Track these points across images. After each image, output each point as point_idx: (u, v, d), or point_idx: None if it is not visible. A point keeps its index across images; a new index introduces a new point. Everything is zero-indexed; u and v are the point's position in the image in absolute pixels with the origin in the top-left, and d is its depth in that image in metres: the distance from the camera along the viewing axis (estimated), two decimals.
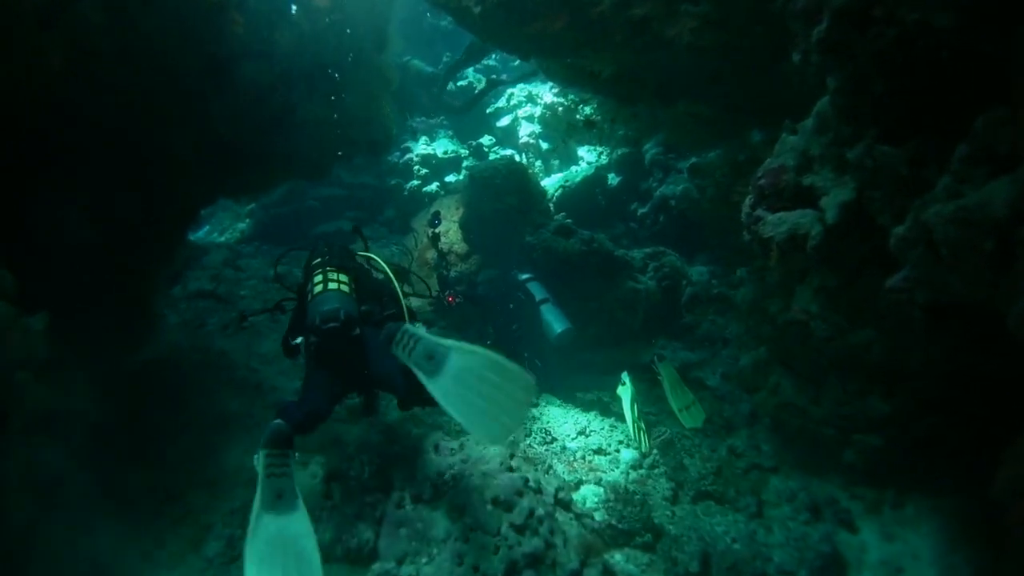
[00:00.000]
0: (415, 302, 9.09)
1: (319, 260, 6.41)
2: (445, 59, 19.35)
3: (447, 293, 8.03)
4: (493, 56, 20.25)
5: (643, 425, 7.25)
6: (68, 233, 6.21)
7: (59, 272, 6.13)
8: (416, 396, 5.54)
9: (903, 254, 4.08)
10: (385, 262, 6.71)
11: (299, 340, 6.25)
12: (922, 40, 3.98)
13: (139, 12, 6.15)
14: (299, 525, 4.85)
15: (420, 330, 5.40)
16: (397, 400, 6.12)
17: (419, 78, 17.56)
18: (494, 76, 19.58)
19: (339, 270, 6.25)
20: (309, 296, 6.06)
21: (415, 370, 5.13)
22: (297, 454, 5.29)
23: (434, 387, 5.02)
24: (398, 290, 6.40)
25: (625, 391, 7.40)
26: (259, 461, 5.06)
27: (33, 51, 5.43)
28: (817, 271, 5.47)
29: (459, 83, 18.95)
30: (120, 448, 6.50)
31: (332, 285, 6.05)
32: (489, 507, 5.99)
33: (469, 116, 18.17)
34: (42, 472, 5.30)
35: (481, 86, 18.57)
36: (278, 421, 5.31)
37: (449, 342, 5.16)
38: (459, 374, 5.01)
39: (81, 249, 6.37)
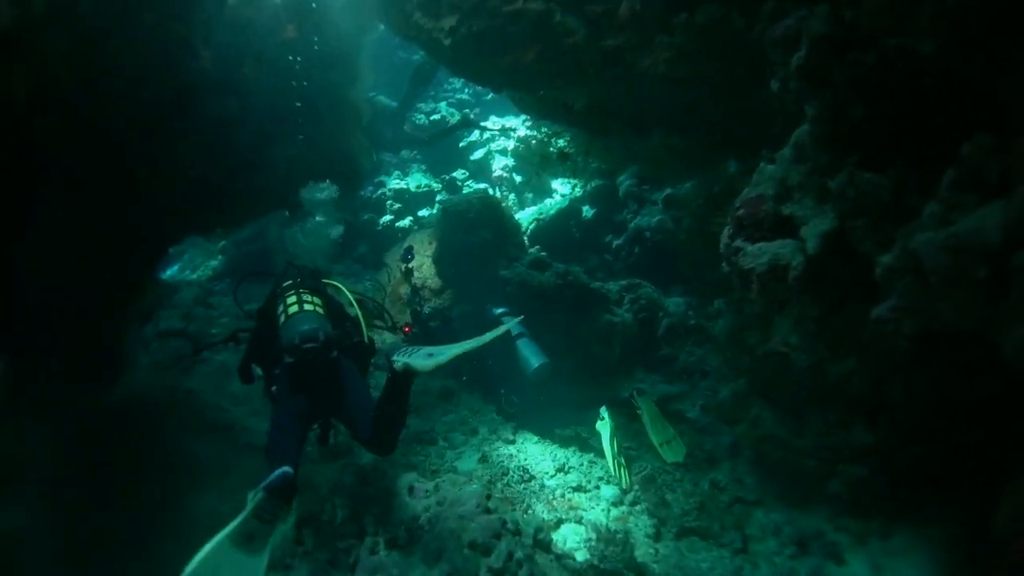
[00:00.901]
0: (389, 338, 9.00)
1: (291, 283, 6.39)
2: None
3: (403, 324, 7.88)
4: (466, 90, 20.26)
5: (623, 461, 7.15)
6: (28, 271, 6.10)
7: (20, 312, 6.08)
8: (378, 432, 5.62)
9: (889, 283, 4.00)
10: (348, 290, 6.74)
11: (259, 371, 6.26)
12: (903, 65, 3.93)
13: (103, 41, 6.01)
14: (254, 570, 4.69)
15: (420, 349, 5.51)
16: (355, 435, 6.00)
17: (383, 113, 17.49)
18: (467, 111, 19.55)
19: (312, 292, 6.23)
20: (282, 317, 5.97)
21: (411, 364, 5.29)
22: (290, 516, 5.10)
23: (417, 364, 5.26)
24: (361, 319, 6.46)
25: (604, 426, 7.31)
26: (253, 499, 4.80)
27: None
28: (797, 301, 5.38)
29: (432, 117, 18.89)
30: (84, 494, 6.34)
31: (308, 307, 6.00)
32: (466, 551, 5.84)
33: (442, 150, 18.08)
34: None
35: (454, 120, 18.53)
36: (286, 469, 5.05)
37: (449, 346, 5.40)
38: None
39: (42, 287, 6.28)
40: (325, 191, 7.92)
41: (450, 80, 20.47)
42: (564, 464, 8.02)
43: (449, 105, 19.73)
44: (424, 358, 5.29)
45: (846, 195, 4.49)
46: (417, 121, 18.58)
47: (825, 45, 4.38)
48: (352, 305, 6.64)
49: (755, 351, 6.95)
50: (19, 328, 5.87)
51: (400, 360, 5.38)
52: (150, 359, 10.21)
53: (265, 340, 6.24)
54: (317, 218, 7.97)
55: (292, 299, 6.06)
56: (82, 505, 6.26)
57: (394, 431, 5.66)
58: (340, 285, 6.89)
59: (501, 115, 18.72)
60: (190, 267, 17.04)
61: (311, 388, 5.77)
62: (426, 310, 10.54)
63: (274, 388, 6.01)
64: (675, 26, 6.25)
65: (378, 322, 7.21)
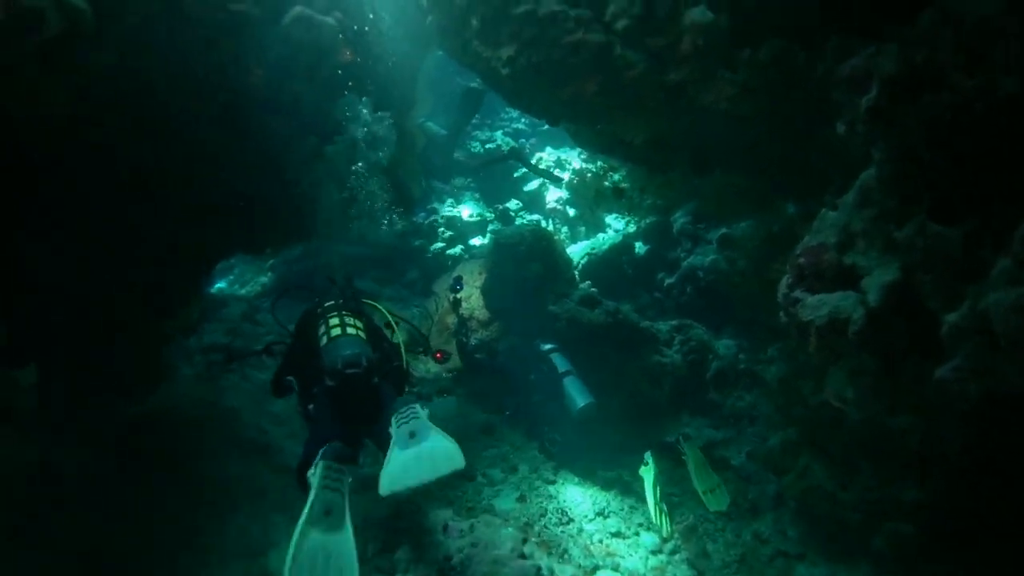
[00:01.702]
0: (434, 368, 8.89)
1: (333, 303, 6.47)
2: (474, 120, 19.26)
3: (435, 350, 7.74)
4: (522, 120, 20.18)
5: (665, 508, 7.01)
6: (63, 282, 6.10)
7: (54, 321, 6.06)
8: None
9: (955, 343, 3.83)
10: (388, 312, 6.80)
11: (295, 386, 6.29)
12: (980, 106, 3.73)
13: (153, 58, 6.02)
14: (343, 545, 4.73)
15: (423, 412, 5.46)
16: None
17: (433, 140, 17.42)
18: (522, 140, 19.46)
19: (355, 315, 6.31)
20: (324, 339, 6.01)
21: (393, 439, 5.21)
22: (351, 479, 5.22)
23: (392, 456, 5.11)
24: (402, 344, 6.57)
25: (648, 472, 7.20)
26: (315, 473, 5.00)
27: (34, 92, 5.28)
28: (855, 354, 5.17)
29: (487, 145, 18.83)
30: (113, 504, 6.29)
31: (351, 330, 6.06)
32: None
33: (495, 180, 17.98)
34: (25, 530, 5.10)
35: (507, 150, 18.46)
36: (335, 444, 5.27)
37: (437, 433, 5.27)
38: (418, 454, 5.09)
39: (78, 298, 6.28)
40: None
41: (507, 109, 20.35)
42: (604, 508, 7.83)
43: (505, 134, 19.66)
44: (405, 437, 5.19)
45: (914, 246, 4.29)
46: (472, 149, 18.54)
47: (897, 85, 4.19)
48: (391, 327, 6.70)
49: (808, 401, 6.82)
50: (52, 338, 5.83)
51: (391, 430, 5.31)
52: (192, 371, 10.18)
53: (301, 356, 6.31)
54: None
55: (335, 321, 6.11)
56: (110, 518, 6.19)
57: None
58: (380, 306, 6.93)
59: (557, 147, 18.62)
60: (240, 282, 17.05)
61: (350, 412, 5.79)
62: (472, 341, 10.36)
63: (310, 407, 6.03)
64: (738, 61, 6.09)
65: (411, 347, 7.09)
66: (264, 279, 16.52)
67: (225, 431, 8.56)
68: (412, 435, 5.17)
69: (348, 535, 4.77)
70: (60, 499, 5.72)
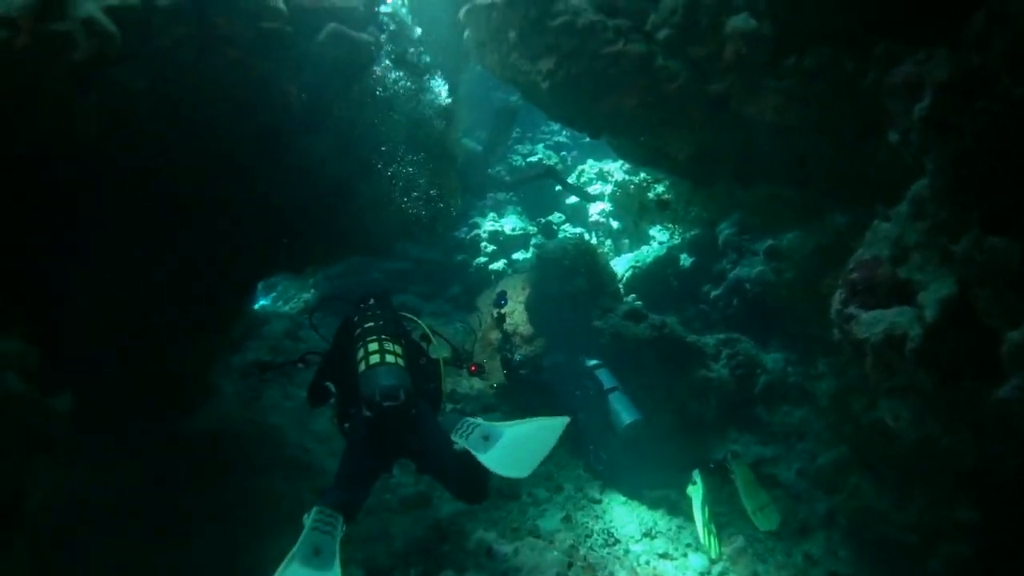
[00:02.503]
0: (477, 384, 8.81)
1: (372, 325, 6.30)
2: (515, 134, 19.16)
3: (470, 363, 7.64)
4: (564, 132, 20.05)
5: (714, 528, 6.86)
6: (102, 301, 6.08)
7: (98, 343, 6.11)
8: (463, 479, 5.65)
9: (1017, 361, 3.64)
10: (429, 329, 6.81)
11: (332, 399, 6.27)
12: None
13: (185, 79, 5.97)
14: None
15: (479, 420, 5.70)
16: (444, 485, 6.01)
17: (468, 157, 17.37)
18: (564, 152, 19.35)
19: (393, 339, 6.17)
20: (363, 365, 5.90)
21: (471, 450, 5.36)
22: (346, 527, 5.22)
23: (486, 459, 5.28)
24: (441, 364, 6.55)
25: (696, 491, 7.07)
26: (308, 516, 5.13)
27: (68, 115, 5.26)
28: (911, 371, 5.00)
29: (528, 159, 18.73)
30: (152, 524, 6.32)
31: (389, 358, 5.92)
32: None
33: (538, 193, 17.87)
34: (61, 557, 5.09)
35: (550, 163, 18.35)
36: (335, 493, 5.41)
37: (504, 424, 5.59)
38: (508, 443, 5.40)
39: (118, 318, 6.27)
40: None
41: (547, 122, 20.20)
42: (651, 528, 7.70)
43: (547, 147, 19.53)
44: (480, 441, 5.42)
45: (971, 259, 4.11)
46: (513, 162, 18.47)
47: (950, 92, 4.04)
48: (427, 339, 6.74)
49: (860, 418, 6.63)
50: (90, 361, 5.83)
51: (460, 443, 5.51)
52: (234, 389, 10.19)
53: (337, 368, 6.29)
54: None
55: (374, 347, 5.98)
56: (149, 538, 6.21)
57: (479, 483, 5.62)
58: (421, 323, 6.89)
59: (599, 159, 18.44)
60: (283, 298, 17.10)
61: (386, 442, 5.80)
62: (517, 357, 10.28)
63: (346, 426, 6.05)
64: (783, 70, 5.94)
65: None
66: (307, 295, 16.57)
67: (268, 450, 8.58)
68: (486, 438, 5.44)
69: (336, 573, 4.86)
70: (99, 521, 5.69)
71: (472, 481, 5.60)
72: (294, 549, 4.86)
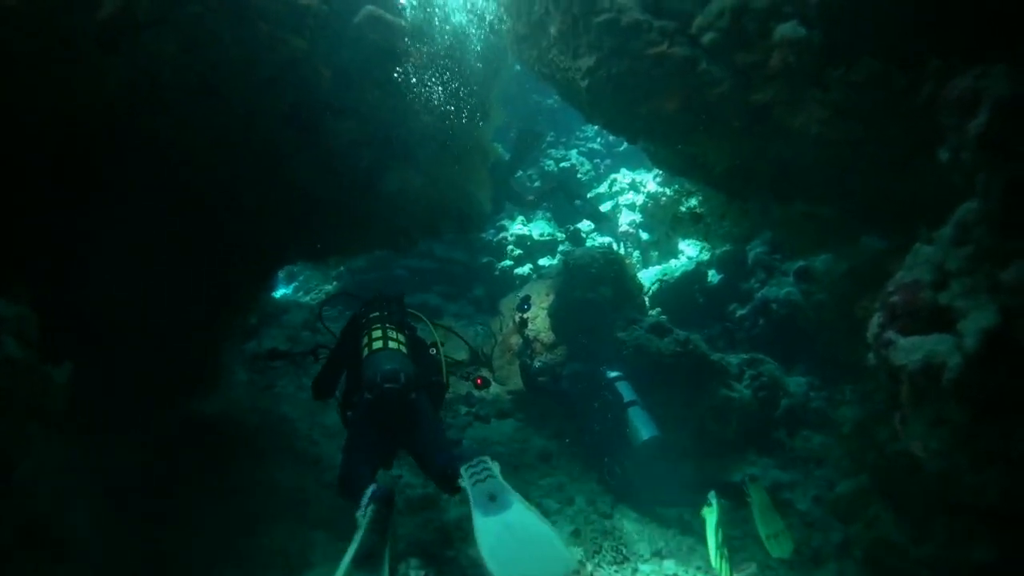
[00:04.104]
0: (494, 388, 8.73)
1: (378, 314, 6.62)
2: (549, 137, 19.08)
3: (476, 375, 7.52)
4: (598, 139, 19.97)
5: (726, 552, 6.67)
6: (110, 277, 6.01)
7: (109, 316, 6.08)
8: (446, 476, 5.69)
9: None
10: (433, 324, 7.17)
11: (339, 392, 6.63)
12: None
13: (216, 50, 5.88)
14: None
15: (495, 468, 5.48)
16: (426, 472, 6.22)
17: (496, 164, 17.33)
18: (597, 160, 19.23)
19: (398, 328, 6.48)
20: (366, 351, 6.20)
21: (470, 498, 5.22)
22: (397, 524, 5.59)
23: (480, 524, 5.05)
24: (442, 358, 6.70)
25: (711, 513, 6.90)
26: (364, 514, 5.09)
27: (95, 74, 5.23)
28: (945, 402, 4.80)
29: (561, 164, 18.64)
30: (150, 504, 6.26)
31: (392, 344, 6.23)
32: None
33: (568, 200, 17.76)
34: (49, 531, 4.95)
35: (584, 169, 18.27)
36: (384, 487, 5.35)
37: (516, 495, 5.25)
38: (510, 526, 5.03)
39: (135, 295, 6.23)
40: None
41: (582, 128, 20.27)
42: (662, 548, 7.50)
43: (580, 154, 19.46)
44: (484, 498, 5.19)
45: (1018, 289, 3.91)
46: (546, 167, 18.38)
47: (1009, 110, 3.84)
48: (435, 346, 6.86)
49: (884, 447, 6.41)
50: (96, 335, 5.75)
51: (465, 484, 5.37)
52: (247, 376, 10.12)
53: (344, 361, 6.65)
54: None
55: (377, 333, 6.30)
56: (148, 520, 6.14)
57: (456, 488, 5.69)
58: (425, 319, 7.16)
59: (632, 168, 18.39)
60: (304, 289, 17.11)
61: (387, 425, 6.01)
62: (536, 364, 10.14)
63: (349, 414, 6.37)
64: (830, 81, 5.75)
65: (455, 369, 7.21)
66: (329, 287, 16.58)
67: (277, 440, 8.58)
68: (492, 498, 5.19)
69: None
70: (93, 497, 5.61)
71: (450, 485, 5.68)
72: (348, 553, 4.84)
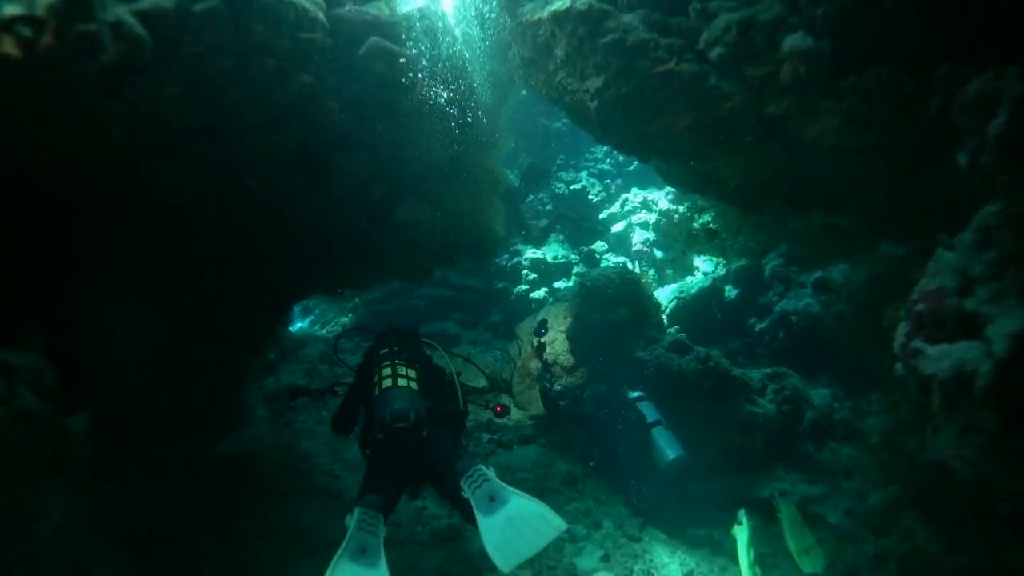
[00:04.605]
0: (515, 414, 8.67)
1: (387, 350, 6.60)
2: (559, 160, 19.10)
3: (495, 403, 7.49)
4: (607, 160, 19.95)
5: (759, 572, 6.59)
6: (134, 321, 6.05)
7: (123, 362, 6.08)
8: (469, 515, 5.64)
9: None
10: (449, 354, 7.15)
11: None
12: None
13: (220, 88, 5.87)
14: None
15: (489, 472, 5.66)
16: (455, 506, 6.17)
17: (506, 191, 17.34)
18: (608, 180, 19.22)
19: (408, 364, 6.43)
20: (376, 389, 6.21)
21: (474, 506, 5.41)
22: (385, 529, 5.47)
23: (484, 524, 5.30)
24: (458, 387, 6.67)
25: (741, 532, 6.85)
26: (352, 517, 5.37)
27: (98, 122, 5.19)
28: (976, 409, 4.73)
29: (572, 187, 18.62)
30: (173, 550, 6.27)
31: (401, 381, 6.21)
32: None
33: (580, 220, 17.74)
34: None
35: (595, 190, 18.26)
36: (372, 496, 5.63)
37: (513, 490, 5.49)
38: (511, 518, 5.32)
39: (151, 339, 6.27)
40: None
41: (591, 149, 20.27)
42: (693, 570, 7.43)
43: (590, 175, 19.44)
44: (485, 500, 5.41)
45: None
46: (556, 190, 18.37)
47: None
48: (450, 369, 6.86)
49: (913, 457, 6.34)
50: (113, 381, 5.72)
51: (467, 493, 5.55)
52: (267, 412, 10.10)
53: (360, 396, 6.60)
54: None
55: (387, 371, 6.29)
56: (168, 565, 6.15)
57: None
58: (440, 348, 7.16)
59: (643, 187, 18.34)
60: (320, 322, 17.13)
61: (403, 462, 6.02)
62: (556, 387, 10.06)
63: (367, 451, 6.34)
64: (843, 90, 5.72)
65: (474, 397, 7.27)
66: (345, 320, 16.58)
67: (297, 477, 8.61)
68: (492, 499, 5.39)
69: (383, 571, 5.11)
70: (116, 547, 5.60)
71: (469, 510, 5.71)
72: (341, 548, 5.08)
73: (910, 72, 5.40)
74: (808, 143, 6.06)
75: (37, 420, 4.33)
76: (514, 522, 5.27)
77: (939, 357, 4.35)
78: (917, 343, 4.55)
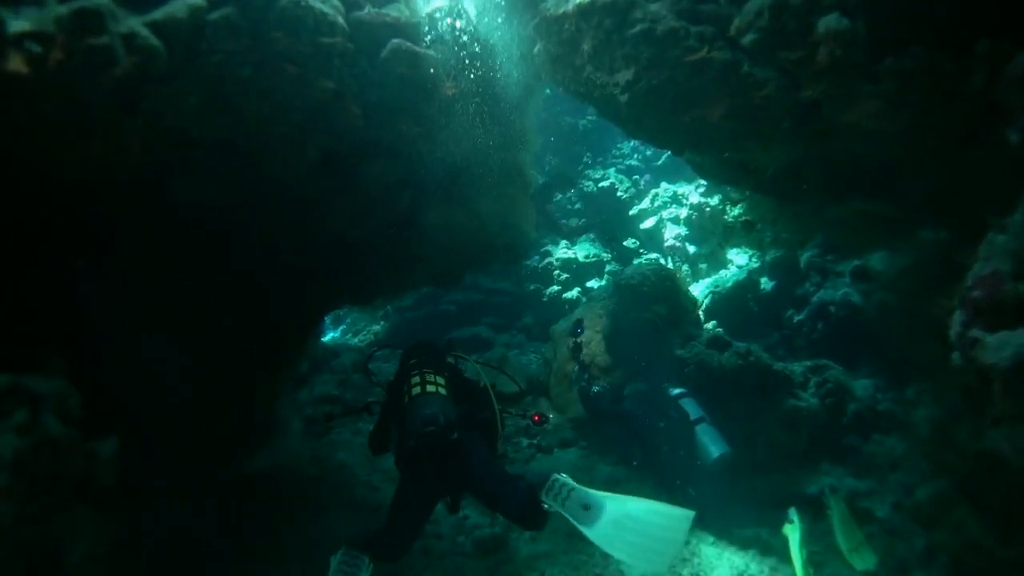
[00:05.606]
0: (555, 418, 8.59)
1: (414, 361, 6.52)
2: (585, 160, 19.00)
3: (532, 412, 7.36)
4: (635, 156, 19.80)
5: (812, 571, 6.47)
6: (163, 342, 6.04)
7: (153, 383, 6.02)
8: (512, 507, 5.74)
9: None
10: (479, 364, 6.99)
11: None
12: None
13: (241, 97, 5.78)
14: None
15: (570, 480, 5.50)
16: (502, 512, 6.14)
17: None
18: (636, 176, 19.06)
19: (435, 372, 6.33)
20: (406, 397, 6.12)
21: (570, 519, 5.26)
22: (372, 566, 5.44)
23: (594, 535, 5.15)
24: (491, 392, 6.53)
25: (793, 530, 6.73)
26: (335, 557, 5.39)
27: (114, 137, 5.14)
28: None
29: (600, 184, 18.47)
30: (208, 573, 6.33)
31: (430, 388, 6.12)
32: None
33: (610, 218, 17.60)
34: None
35: (624, 187, 18.12)
36: (359, 535, 5.64)
37: (601, 493, 5.35)
38: (618, 520, 5.16)
39: (180, 358, 6.25)
40: None
41: (619, 145, 20.16)
42: (743, 571, 7.39)
43: (618, 171, 19.28)
44: (580, 510, 5.28)
45: None
46: (585, 188, 18.24)
47: None
48: (484, 381, 6.75)
49: (964, 448, 6.26)
50: (145, 402, 5.79)
51: (554, 507, 5.41)
52: (302, 424, 10.05)
53: (394, 413, 6.44)
54: None
55: (416, 380, 6.19)
56: None
57: (538, 513, 5.65)
58: (465, 356, 7.10)
59: (672, 181, 18.18)
60: (352, 331, 17.09)
61: (434, 471, 5.93)
62: (595, 389, 9.95)
63: (401, 465, 6.23)
64: (881, 72, 5.55)
65: (511, 409, 7.04)
66: (377, 328, 16.53)
67: (336, 490, 8.54)
68: (586, 507, 5.28)
69: None
70: (149, 573, 5.55)
71: (532, 518, 5.70)
72: None
73: (945, 50, 5.26)
74: (846, 128, 5.92)
75: (63, 447, 4.27)
76: (624, 525, 5.17)
77: (999, 346, 4.21)
78: (975, 332, 4.39)
